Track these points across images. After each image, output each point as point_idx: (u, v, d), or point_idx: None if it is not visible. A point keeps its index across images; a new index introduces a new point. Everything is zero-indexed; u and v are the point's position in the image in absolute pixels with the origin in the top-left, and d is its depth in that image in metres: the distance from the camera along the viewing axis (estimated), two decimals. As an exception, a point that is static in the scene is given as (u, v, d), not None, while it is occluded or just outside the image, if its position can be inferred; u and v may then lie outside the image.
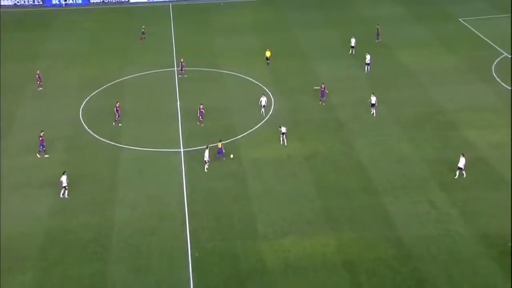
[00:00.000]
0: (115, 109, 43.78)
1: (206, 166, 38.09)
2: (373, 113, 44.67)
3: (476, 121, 43.09)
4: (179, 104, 46.93)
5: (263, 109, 44.73)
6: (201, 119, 43.58)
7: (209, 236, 32.60)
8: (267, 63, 53.34)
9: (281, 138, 40.83)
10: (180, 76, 51.46)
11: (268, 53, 53.57)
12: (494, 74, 50.27)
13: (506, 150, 39.50)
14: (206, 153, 37.92)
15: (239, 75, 51.99)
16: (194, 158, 39.60)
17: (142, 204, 35.37)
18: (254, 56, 55.22)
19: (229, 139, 41.73)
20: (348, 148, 40.66)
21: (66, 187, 35.58)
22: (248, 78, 51.32)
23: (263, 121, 44.23)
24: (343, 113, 45.23)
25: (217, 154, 39.05)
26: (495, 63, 52.44)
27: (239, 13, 67.22)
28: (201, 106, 43.78)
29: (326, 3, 69.99)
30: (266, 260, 30.79)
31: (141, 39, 59.31)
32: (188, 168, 38.62)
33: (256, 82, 50.56)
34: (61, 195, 35.59)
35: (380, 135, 42.10)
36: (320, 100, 46.62)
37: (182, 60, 51.87)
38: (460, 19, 63.39)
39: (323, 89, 46.56)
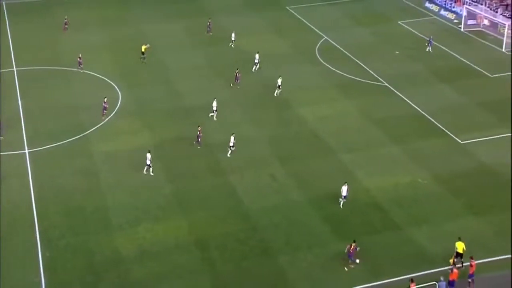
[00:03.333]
0: None
1: (146, 169, 35.14)
2: (278, 93, 45.08)
3: (306, 99, 45.04)
4: (21, 104, 43.13)
5: (215, 113, 41.90)
6: (104, 113, 41.27)
7: (60, 233, 30.40)
8: (143, 57, 50.65)
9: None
10: (81, 71, 48.54)
11: (143, 48, 51.14)
12: (317, 55, 52.88)
13: (330, 122, 41.64)
14: (148, 155, 35.05)
15: (84, 71, 49.08)
16: (41, 158, 36.72)
17: (-13, 211, 32.09)
18: (100, 52, 52.47)
19: (78, 135, 39.34)
20: (196, 134, 40.33)
21: None
22: (94, 73, 48.63)
23: (111, 115, 42.28)
24: (190, 101, 44.80)
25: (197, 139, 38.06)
26: (318, 46, 55.21)
27: (84, 9, 63.23)
28: (105, 99, 41.28)
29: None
30: (121, 249, 29.49)
31: (64, 29, 56.66)
32: (35, 168, 35.65)
33: (102, 77, 48.13)
34: None
35: (226, 118, 42.28)
36: (233, 84, 46.43)
37: (80, 55, 48.53)
38: (287, 7, 65.72)
39: (238, 75, 46.61)
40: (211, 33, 57.58)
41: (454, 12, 61.90)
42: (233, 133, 37.55)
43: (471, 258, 26.81)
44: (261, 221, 31.86)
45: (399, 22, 60.64)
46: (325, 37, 57.21)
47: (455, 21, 60.14)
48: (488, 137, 38.92)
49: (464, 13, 58.65)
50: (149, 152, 35.31)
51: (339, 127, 41.06)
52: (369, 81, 47.73)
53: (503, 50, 52.83)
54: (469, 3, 60.18)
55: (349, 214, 32.22)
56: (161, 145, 38.66)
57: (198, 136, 38.52)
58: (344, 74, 48.99)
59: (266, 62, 51.65)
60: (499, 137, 38.95)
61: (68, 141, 38.77)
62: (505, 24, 54.40)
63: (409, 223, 31.06)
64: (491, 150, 37.46)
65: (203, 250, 29.84)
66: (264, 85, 47.34)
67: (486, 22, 57.93)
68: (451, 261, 27.97)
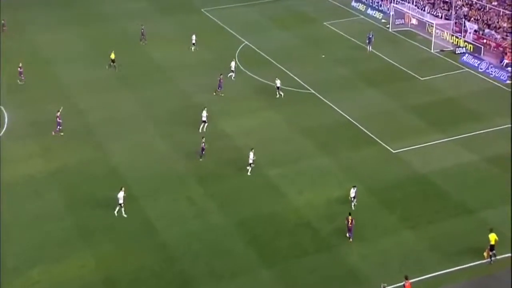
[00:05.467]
0: None
1: (118, 209, 33.42)
2: (280, 95, 46.53)
3: (226, 110, 45.06)
4: None
5: (204, 124, 41.76)
6: (58, 129, 40.47)
7: None
8: (114, 66, 50.42)
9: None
10: (21, 83, 47.36)
11: (112, 55, 50.44)
12: (237, 62, 52.94)
13: (253, 134, 41.84)
14: (121, 193, 33.22)
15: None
16: None
17: None
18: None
19: (-42, 165, 37.26)
20: (101, 154, 39.35)
21: None
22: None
23: (-2, 139, 40.55)
24: (93, 118, 43.76)
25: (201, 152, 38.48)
26: (238, 52, 55.57)
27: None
28: (58, 113, 40.31)
29: (62, 1, 67.21)
30: (12, 297, 28.15)
31: (2, 30, 55.84)
32: None
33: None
34: None
35: (135, 136, 41.60)
36: (216, 92, 46.38)
37: (20, 65, 47.21)
38: (203, 10, 66.06)
39: (221, 80, 46.28)
40: (142, 42, 56.69)
41: (381, 11, 64.57)
42: (252, 148, 37.26)
43: (406, 278, 27.61)
44: (179, 250, 31.37)
45: (325, 23, 62.42)
46: (246, 41, 57.82)
47: (383, 20, 62.74)
48: (421, 145, 40.49)
49: (392, 12, 61.34)
50: (121, 189, 33.52)
51: (264, 139, 41.34)
52: (294, 89, 48.56)
53: (432, 51, 55.63)
54: (397, 1, 63.05)
55: (277, 236, 32.37)
56: (59, 172, 37.37)
57: (202, 149, 38.27)
58: (267, 81, 49.58)
59: (181, 71, 51.46)
60: (432, 144, 40.64)
61: None
62: (433, 23, 57.36)
63: (341, 242, 31.60)
64: (424, 158, 38.97)
65: (113, 289, 28.95)
66: (179, 97, 47.10)
67: (414, 21, 60.86)
68: (485, 254, 29.70)
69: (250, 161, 37.29)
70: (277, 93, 46.69)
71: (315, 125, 43.29)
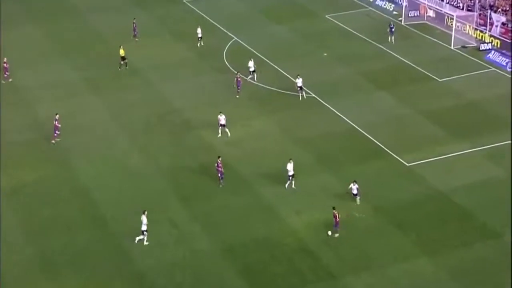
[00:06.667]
0: None
1: (141, 238, 33.94)
2: (303, 96, 47.80)
3: (212, 118, 45.53)
4: None
5: (225, 129, 43.35)
6: (56, 134, 41.63)
7: None
8: (125, 63, 51.81)
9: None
10: (4, 82, 48.28)
11: (122, 52, 51.61)
12: (226, 61, 53.89)
13: (244, 145, 42.58)
14: (144, 218, 33.56)
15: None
16: None
17: None
18: None
19: None
20: (66, 171, 39.88)
21: None
22: None
23: None
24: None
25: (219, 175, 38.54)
26: (226, 49, 56.40)
27: None
28: (57, 117, 41.43)
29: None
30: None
31: None
32: None
33: None
34: None
35: (106, 149, 42.20)
36: (237, 93, 48.16)
37: (5, 60, 48.27)
38: (185, 1, 67.07)
39: (238, 79, 47.41)
40: (136, 39, 57.60)
41: (392, 1, 65.53)
42: (290, 159, 37.99)
43: None
44: (158, 281, 31.76)
45: (327, 16, 63.35)
46: (235, 37, 58.63)
47: (395, 12, 63.71)
48: (439, 157, 41.10)
49: (405, 3, 62.26)
50: (144, 213, 33.77)
51: (256, 151, 41.99)
52: (291, 92, 49.24)
53: (452, 47, 56.48)
54: (410, -10, 64.06)
55: (272, 263, 32.83)
56: (16, 192, 37.82)
57: (218, 171, 38.46)
58: (260, 84, 50.28)
59: (159, 72, 52.04)
60: (452, 156, 41.23)
61: None
62: (453, 15, 58.24)
63: (346, 270, 32.03)
64: (443, 173, 39.53)
65: (80, 328, 29.40)
66: (156, 103, 47.76)
67: (431, 13, 61.80)
68: None
69: (290, 174, 37.96)
70: (299, 94, 47.69)
71: (315, 134, 43.93)
